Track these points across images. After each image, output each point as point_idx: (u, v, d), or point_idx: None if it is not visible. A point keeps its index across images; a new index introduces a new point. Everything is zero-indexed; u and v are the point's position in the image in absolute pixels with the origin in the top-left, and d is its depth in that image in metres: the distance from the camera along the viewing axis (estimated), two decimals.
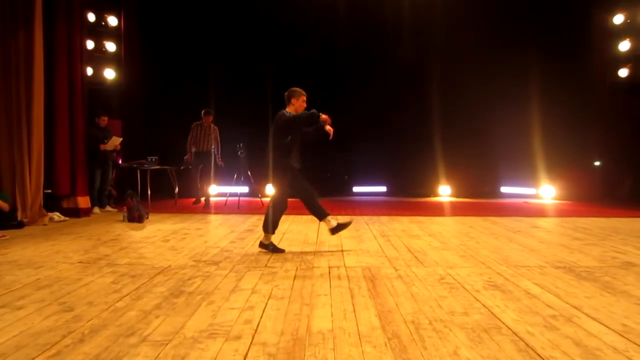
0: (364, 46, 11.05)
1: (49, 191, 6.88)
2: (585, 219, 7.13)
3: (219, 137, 8.93)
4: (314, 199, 4.61)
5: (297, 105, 4.55)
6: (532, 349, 2.20)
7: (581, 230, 5.95)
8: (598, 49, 9.81)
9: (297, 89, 4.62)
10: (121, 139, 8.05)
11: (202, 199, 9.14)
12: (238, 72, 10.85)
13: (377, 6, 10.59)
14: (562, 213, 8.03)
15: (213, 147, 8.83)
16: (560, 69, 9.97)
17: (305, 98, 4.61)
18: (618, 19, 9.37)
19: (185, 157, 8.85)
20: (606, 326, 2.51)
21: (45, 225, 6.25)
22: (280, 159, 4.47)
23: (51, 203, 6.86)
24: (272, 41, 10.89)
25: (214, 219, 7.10)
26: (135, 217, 6.50)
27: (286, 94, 4.60)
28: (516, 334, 2.39)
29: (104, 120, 7.91)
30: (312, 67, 10.92)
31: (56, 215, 6.67)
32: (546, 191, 10.53)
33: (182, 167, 9.20)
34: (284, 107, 4.60)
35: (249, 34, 10.89)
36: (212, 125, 8.86)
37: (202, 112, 8.76)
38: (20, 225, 5.93)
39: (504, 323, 2.55)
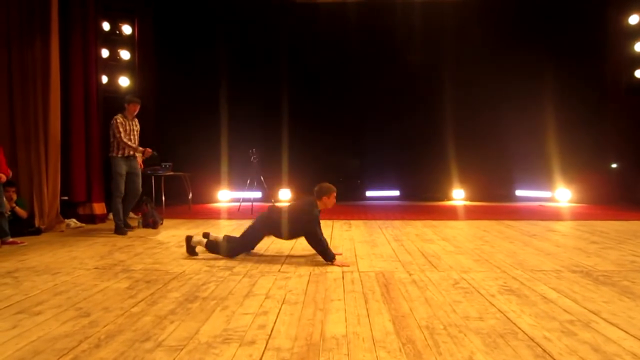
0: (375, 50, 11.06)
1: (66, 198, 6.99)
2: (602, 222, 7.02)
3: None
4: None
5: (328, 202, 4.41)
6: (549, 355, 2.17)
7: (598, 234, 5.85)
8: (613, 50, 9.68)
9: (328, 185, 4.42)
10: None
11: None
12: (251, 78, 10.93)
13: (387, 10, 10.60)
14: (578, 216, 7.90)
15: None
16: (575, 70, 9.88)
17: (335, 194, 4.46)
18: (633, 19, 9.24)
19: (143, 154, 6.58)
20: (625, 331, 2.46)
21: (62, 231, 6.36)
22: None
23: (68, 210, 6.97)
24: (284, 47, 10.96)
25: (227, 224, 7.13)
26: (150, 223, 6.57)
27: (316, 189, 4.41)
28: (533, 340, 2.36)
29: None
30: (323, 72, 10.97)
31: (73, 222, 6.79)
32: (562, 194, 10.39)
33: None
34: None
35: (261, 41, 10.98)
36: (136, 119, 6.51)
37: (126, 98, 6.37)
38: (37, 231, 6.04)
39: (520, 328, 2.52)
